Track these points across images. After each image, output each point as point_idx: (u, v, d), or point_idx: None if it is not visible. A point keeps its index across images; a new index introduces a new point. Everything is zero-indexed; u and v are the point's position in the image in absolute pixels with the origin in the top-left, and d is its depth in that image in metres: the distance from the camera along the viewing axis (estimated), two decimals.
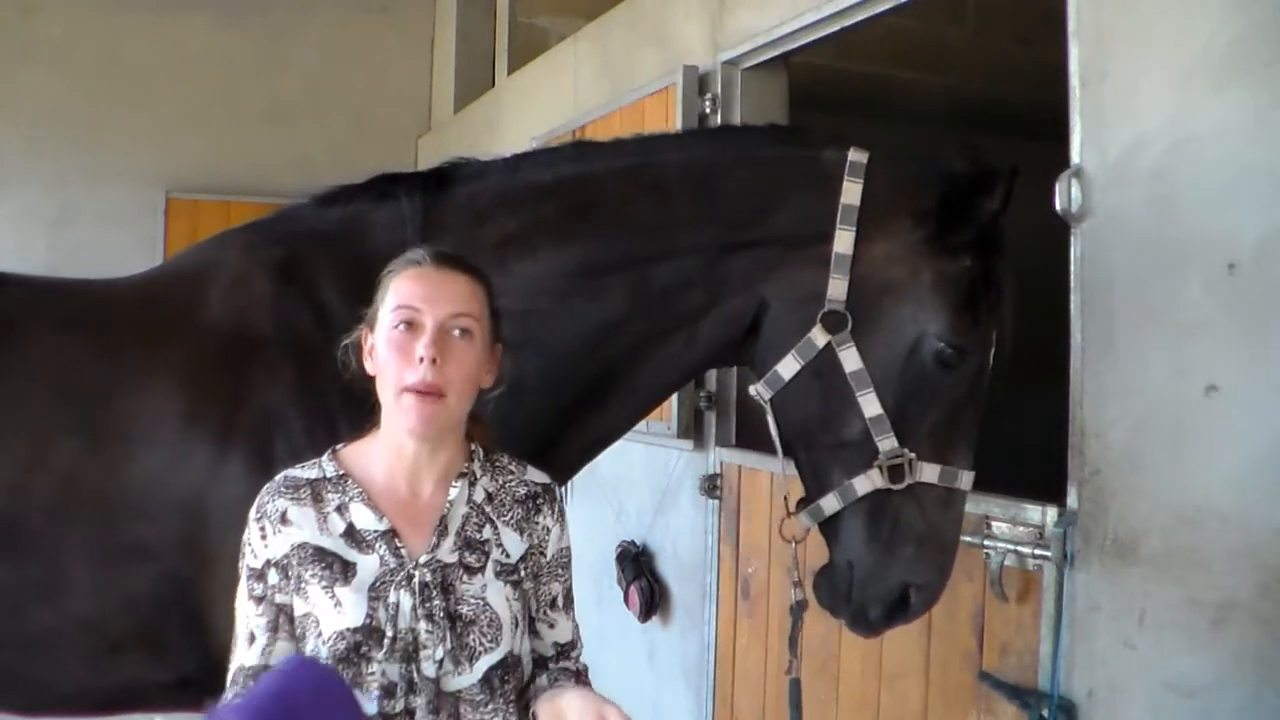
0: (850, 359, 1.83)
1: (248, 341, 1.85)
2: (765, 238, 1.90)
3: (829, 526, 1.91)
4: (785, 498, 2.02)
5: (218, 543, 1.73)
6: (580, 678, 1.62)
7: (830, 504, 1.87)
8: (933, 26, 4.55)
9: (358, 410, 1.64)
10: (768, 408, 1.94)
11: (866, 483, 1.83)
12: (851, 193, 1.85)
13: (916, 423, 1.83)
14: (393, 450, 1.54)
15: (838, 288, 1.84)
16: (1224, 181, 1.85)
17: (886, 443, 1.81)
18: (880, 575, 1.84)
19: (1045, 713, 2.06)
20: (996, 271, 1.84)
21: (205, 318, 1.89)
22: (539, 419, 1.92)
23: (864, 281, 1.84)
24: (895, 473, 1.81)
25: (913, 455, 1.81)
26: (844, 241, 1.84)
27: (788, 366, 1.87)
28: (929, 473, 1.82)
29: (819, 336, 1.84)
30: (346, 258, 1.90)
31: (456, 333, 1.49)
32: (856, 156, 1.89)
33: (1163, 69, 1.96)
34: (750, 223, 1.90)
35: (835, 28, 2.95)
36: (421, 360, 1.45)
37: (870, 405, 1.82)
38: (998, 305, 1.85)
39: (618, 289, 1.92)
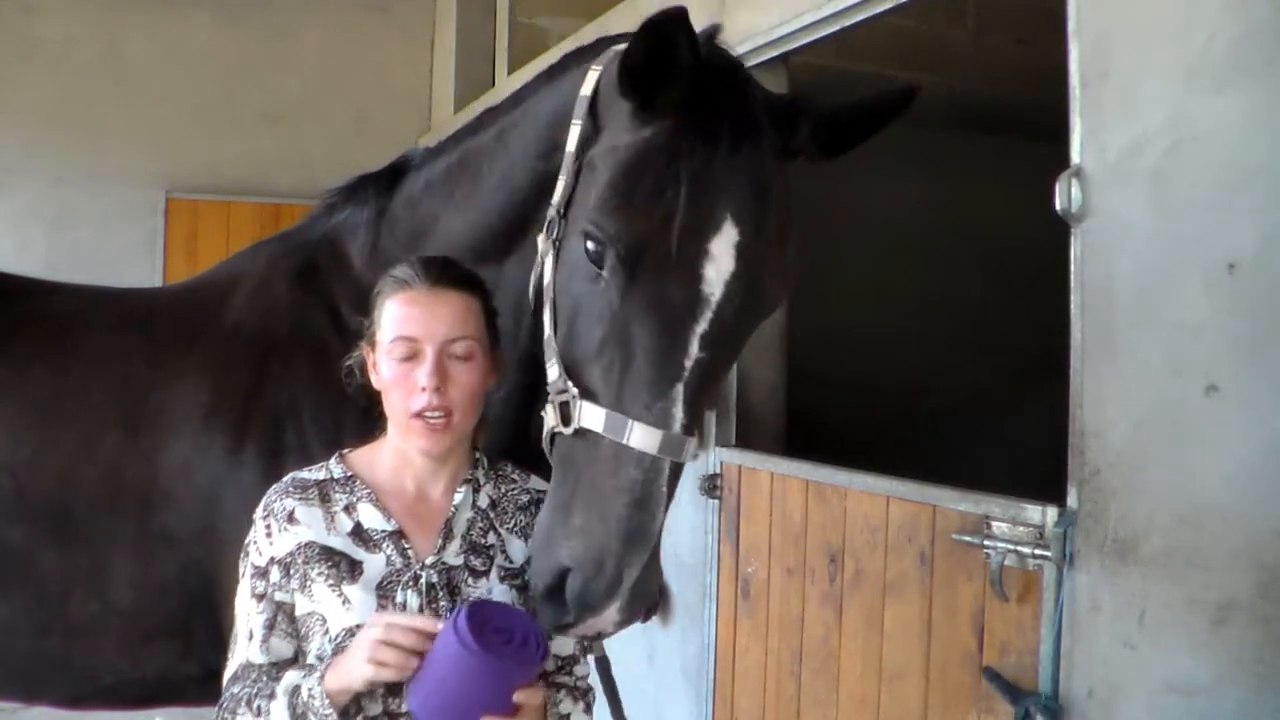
0: (548, 271, 1.57)
1: (267, 341, 1.99)
2: (565, 164, 1.69)
3: None
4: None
5: (229, 531, 1.82)
6: (583, 697, 1.59)
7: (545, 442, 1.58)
8: (933, 26, 4.55)
9: (364, 403, 1.71)
10: None
11: (546, 421, 1.52)
12: (589, 82, 1.64)
13: (584, 349, 1.49)
14: (401, 457, 1.57)
15: (560, 191, 1.60)
16: (1224, 181, 1.85)
17: (553, 370, 1.51)
18: (544, 543, 1.48)
19: (1030, 709, 2.06)
20: (688, 146, 1.45)
21: (233, 320, 2.03)
22: (509, 396, 1.90)
23: (579, 179, 1.58)
24: (564, 411, 1.48)
25: (576, 391, 1.47)
26: (572, 137, 1.62)
27: (534, 282, 1.68)
28: (592, 416, 1.43)
29: (543, 245, 1.62)
30: (345, 261, 2.05)
31: (456, 354, 1.50)
32: (620, 46, 1.66)
33: (1163, 69, 1.96)
34: (556, 150, 1.72)
35: (835, 28, 2.96)
36: (424, 389, 1.47)
37: (546, 324, 1.55)
38: (660, 188, 1.43)
39: (514, 259, 1.87)
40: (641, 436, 1.40)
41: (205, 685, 1.91)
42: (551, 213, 1.60)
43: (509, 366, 1.87)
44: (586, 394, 1.46)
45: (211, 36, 7.07)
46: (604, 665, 1.68)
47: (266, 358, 1.96)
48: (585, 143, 1.60)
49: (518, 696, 1.34)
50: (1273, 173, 1.77)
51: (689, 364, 1.44)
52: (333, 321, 1.97)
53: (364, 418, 1.78)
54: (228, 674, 1.50)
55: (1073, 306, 2.12)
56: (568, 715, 1.53)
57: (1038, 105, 3.24)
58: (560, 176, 1.61)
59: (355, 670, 1.36)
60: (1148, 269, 1.98)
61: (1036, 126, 3.50)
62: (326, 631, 1.46)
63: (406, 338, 1.50)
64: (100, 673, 1.93)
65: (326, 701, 1.36)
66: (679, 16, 1.37)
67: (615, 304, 1.45)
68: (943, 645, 2.40)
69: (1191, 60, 1.90)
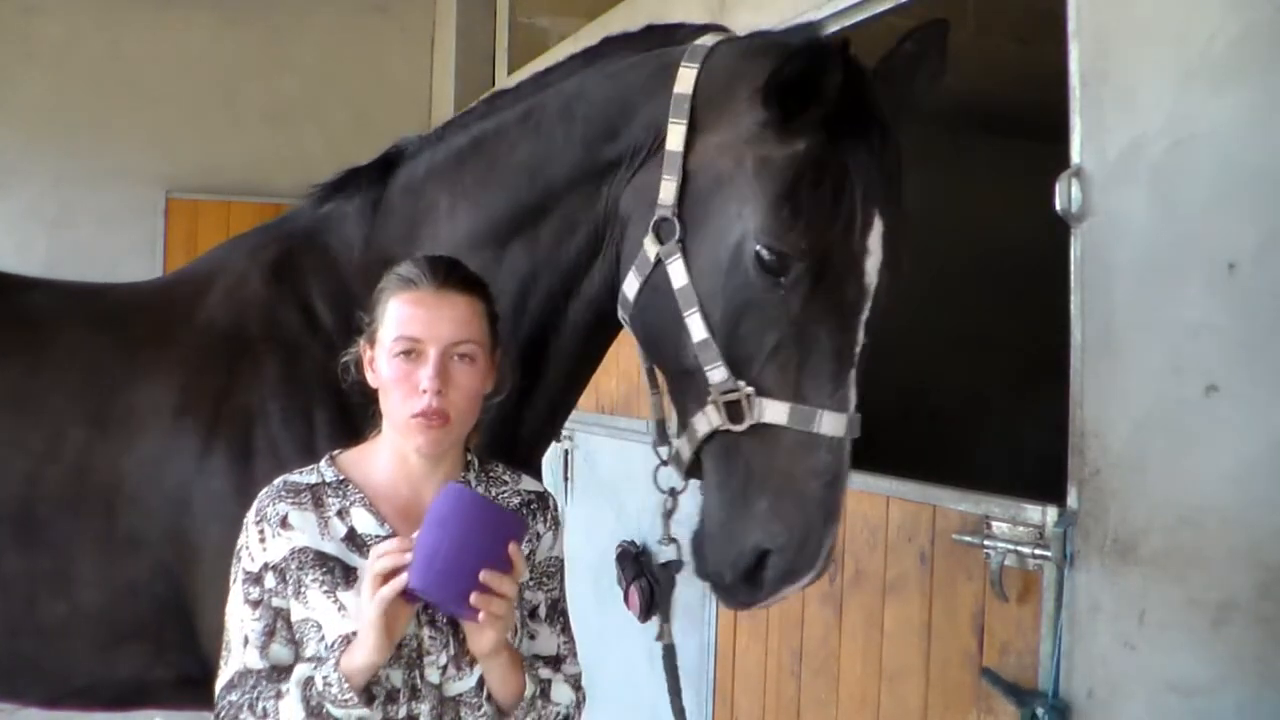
0: (677, 273, 1.60)
1: (239, 340, 1.92)
2: (624, 153, 1.74)
3: (698, 474, 1.67)
4: (653, 444, 1.83)
5: (199, 535, 1.79)
6: (573, 684, 1.57)
7: (683, 446, 1.65)
8: None
9: (336, 403, 1.72)
10: (633, 334, 1.77)
11: (705, 421, 1.58)
12: (684, 80, 1.65)
13: (752, 349, 1.55)
14: (396, 458, 1.55)
15: (668, 191, 1.63)
16: (1224, 181, 1.85)
17: (716, 373, 1.55)
18: (728, 534, 1.57)
19: (1039, 711, 2.06)
20: (837, 157, 1.54)
21: (206, 317, 1.96)
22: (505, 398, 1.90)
23: (695, 180, 1.62)
24: (733, 410, 1.55)
25: (750, 390, 1.54)
26: (675, 137, 1.64)
27: (631, 285, 1.69)
28: (774, 411, 1.52)
29: (651, 249, 1.64)
30: (328, 255, 1.99)
31: (458, 358, 1.49)
32: (704, 41, 1.71)
33: (1163, 69, 1.96)
34: (608, 140, 1.75)
35: (835, 28, 2.95)
36: (426, 391, 1.46)
37: (696, 327, 1.57)
38: (836, 199, 1.53)
39: (517, 245, 1.85)
40: (831, 423, 1.52)
41: (180, 689, 1.89)
42: (666, 213, 1.62)
43: (507, 368, 1.86)
44: (761, 391, 1.54)
45: (211, 36, 7.07)
46: (670, 653, 1.77)
47: (237, 357, 1.90)
48: (688, 144, 1.63)
49: (511, 549, 1.35)
50: (1273, 173, 1.77)
51: (858, 351, 1.58)
52: (305, 320, 1.92)
53: (337, 420, 1.78)
54: (222, 681, 1.48)
55: (1073, 306, 2.12)
56: (548, 681, 1.51)
57: (1038, 105, 3.23)
58: (664, 176, 1.63)
59: (364, 618, 1.35)
60: (1148, 269, 1.98)
61: (1036, 126, 3.50)
62: (322, 638, 1.44)
63: (410, 338, 1.48)
64: (72, 675, 1.89)
65: (346, 686, 1.35)
66: (829, 44, 1.47)
67: (796, 309, 1.54)
68: (943, 645, 2.40)
69: (1191, 60, 1.90)
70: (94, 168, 6.80)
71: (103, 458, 1.84)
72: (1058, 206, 2.11)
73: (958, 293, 5.05)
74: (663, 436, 1.78)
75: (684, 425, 1.64)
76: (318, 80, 7.27)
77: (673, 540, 1.79)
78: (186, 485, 1.82)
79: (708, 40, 1.72)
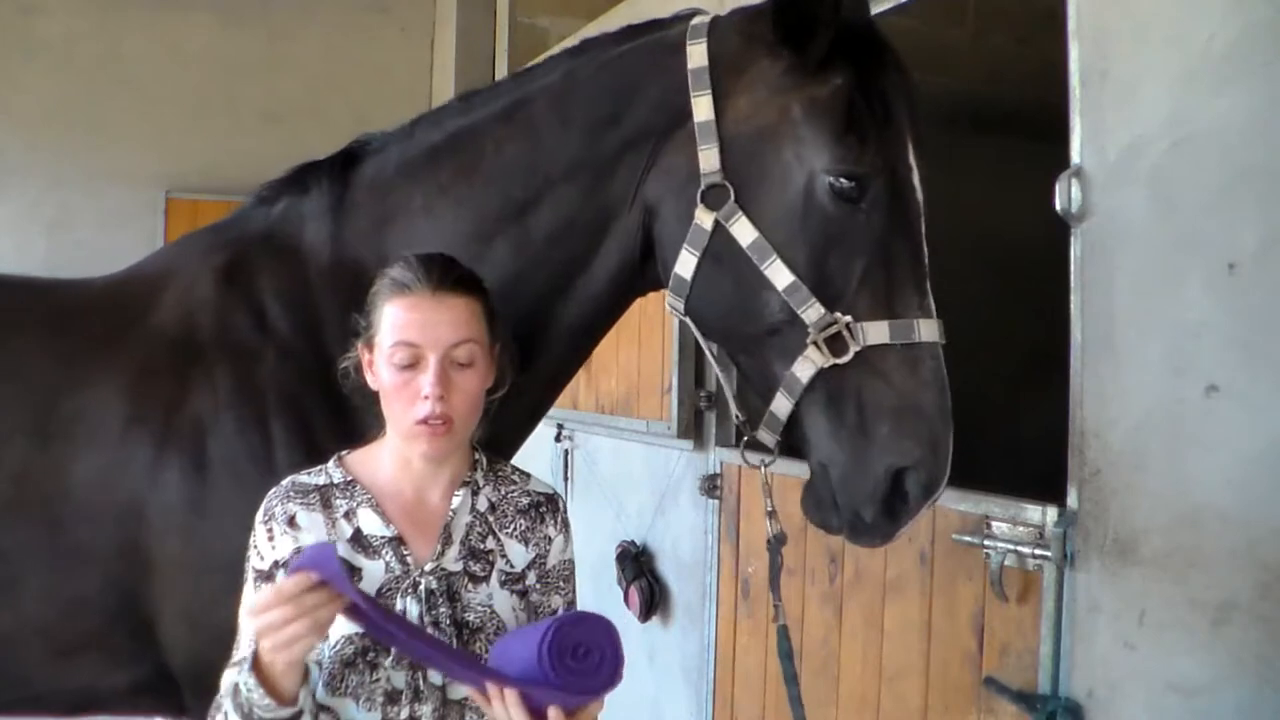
0: (744, 231, 1.63)
1: (190, 346, 1.86)
2: (630, 140, 1.76)
3: (795, 433, 1.68)
4: (736, 417, 1.85)
5: (155, 549, 1.75)
6: None
7: (781, 405, 1.65)
8: (933, 26, 4.54)
9: (293, 410, 1.72)
10: (688, 321, 1.78)
11: (807, 366, 1.60)
12: (697, 56, 1.70)
13: (841, 279, 1.61)
14: (400, 461, 1.55)
15: (709, 159, 1.66)
16: (1224, 181, 1.85)
17: (811, 311, 1.59)
18: (859, 467, 1.59)
19: (1055, 712, 2.06)
20: (876, 80, 1.63)
21: (156, 321, 1.90)
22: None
23: (736, 142, 1.66)
24: (835, 344, 1.58)
25: (848, 318, 1.58)
26: (703, 108, 1.68)
27: (685, 264, 1.70)
28: (875, 332, 1.58)
29: (704, 218, 1.66)
30: (283, 256, 1.93)
31: (459, 360, 1.48)
32: (699, 20, 1.75)
33: (1163, 69, 1.96)
34: (610, 127, 1.76)
35: None
36: (427, 397, 1.45)
37: (779, 274, 1.60)
38: (888, 117, 1.63)
39: (502, 243, 1.83)
40: (928, 329, 1.60)
41: (135, 698, 1.86)
42: (714, 179, 1.66)
43: (506, 362, 1.84)
44: (859, 317, 1.59)
45: (211, 36, 7.06)
46: (784, 634, 1.80)
47: (189, 365, 1.83)
48: (719, 109, 1.69)
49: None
50: (1273, 173, 1.77)
51: (927, 260, 1.66)
52: (258, 325, 1.86)
53: (294, 427, 1.76)
54: (227, 681, 1.45)
55: (1073, 306, 2.12)
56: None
57: (1038, 105, 3.23)
58: (701, 147, 1.67)
59: (265, 657, 1.30)
60: (1148, 269, 1.98)
61: (1036, 126, 3.50)
62: (326, 637, 1.43)
63: (408, 344, 1.47)
64: (27, 682, 1.83)
65: (268, 702, 1.30)
66: None
67: (877, 228, 1.62)
68: (943, 645, 2.40)
69: (1191, 60, 1.90)
70: (94, 168, 6.79)
71: (49, 467, 1.77)
72: (1058, 206, 2.11)
73: (957, 292, 5.04)
74: (744, 410, 1.79)
75: (772, 387, 1.66)
76: (318, 80, 7.26)
77: (772, 513, 1.80)
78: (139, 498, 1.76)
79: (703, 18, 1.76)
